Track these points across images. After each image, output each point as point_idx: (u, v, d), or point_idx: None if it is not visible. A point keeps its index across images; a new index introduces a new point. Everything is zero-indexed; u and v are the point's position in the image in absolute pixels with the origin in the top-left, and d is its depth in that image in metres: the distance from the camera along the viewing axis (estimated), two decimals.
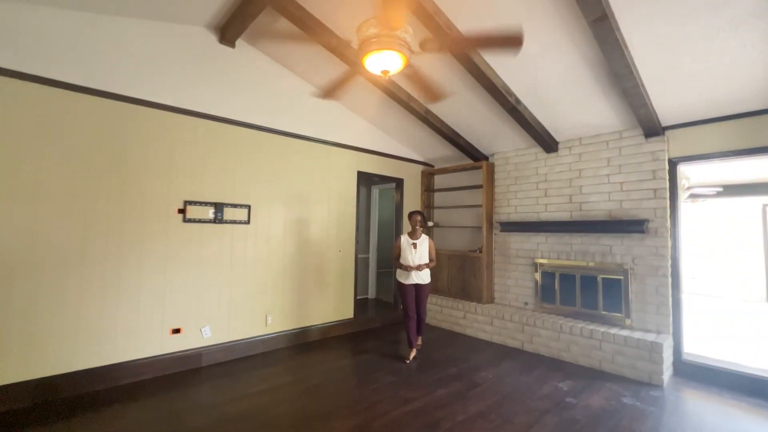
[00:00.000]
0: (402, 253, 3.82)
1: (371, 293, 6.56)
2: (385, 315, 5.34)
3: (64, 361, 2.84)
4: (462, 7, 2.76)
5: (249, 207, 3.87)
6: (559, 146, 4.42)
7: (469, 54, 3.09)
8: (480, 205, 5.10)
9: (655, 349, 3.32)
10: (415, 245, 3.79)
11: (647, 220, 3.65)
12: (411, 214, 3.89)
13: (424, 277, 3.81)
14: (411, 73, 2.46)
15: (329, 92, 2.76)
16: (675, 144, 3.64)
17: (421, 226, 3.84)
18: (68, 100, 2.89)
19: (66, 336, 2.84)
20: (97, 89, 3.00)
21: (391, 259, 4.03)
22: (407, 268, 3.72)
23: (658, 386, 3.26)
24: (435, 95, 2.76)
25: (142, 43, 3.21)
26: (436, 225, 5.82)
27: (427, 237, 3.89)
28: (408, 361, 3.71)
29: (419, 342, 3.98)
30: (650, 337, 3.45)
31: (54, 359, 2.80)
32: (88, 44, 2.95)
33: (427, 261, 3.82)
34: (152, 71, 3.27)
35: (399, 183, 5.62)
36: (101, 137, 3.03)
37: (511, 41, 2.08)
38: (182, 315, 3.41)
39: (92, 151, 2.98)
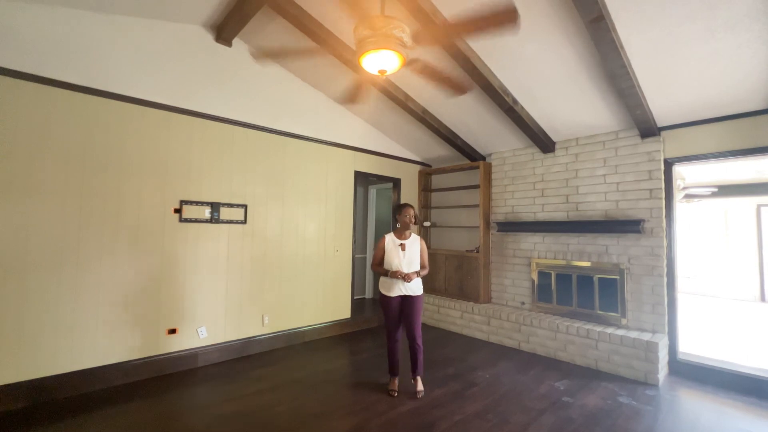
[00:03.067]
0: (386, 257, 3.03)
1: (368, 293, 6.56)
2: (382, 315, 5.32)
3: (59, 362, 2.81)
4: (458, 9, 2.75)
5: (245, 207, 3.85)
6: (556, 146, 4.43)
7: (466, 53, 3.09)
8: (477, 205, 5.11)
9: (651, 348, 3.33)
10: (403, 246, 3.01)
11: (643, 220, 3.67)
12: (400, 208, 3.10)
13: (414, 288, 2.99)
14: (422, 67, 2.41)
15: (351, 98, 2.76)
16: (671, 144, 3.66)
17: (414, 224, 3.11)
18: (63, 99, 2.86)
19: (61, 336, 2.82)
20: (93, 88, 2.97)
21: (372, 265, 3.17)
22: (392, 275, 2.94)
23: (654, 385, 3.27)
24: (459, 87, 2.66)
25: (138, 42, 3.19)
26: (433, 225, 5.82)
27: (419, 238, 3.14)
28: (395, 394, 2.97)
29: (420, 386, 2.99)
30: (646, 336, 3.47)
31: (49, 360, 2.77)
32: (84, 42, 2.93)
33: (418, 267, 3.04)
34: (148, 70, 3.25)
35: (396, 183, 5.62)
36: (97, 136, 3.00)
37: (506, 18, 1.94)
38: (178, 315, 3.40)
39: (88, 150, 2.96)
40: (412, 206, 3.12)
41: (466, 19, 2.09)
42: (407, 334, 3.01)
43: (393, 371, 3.06)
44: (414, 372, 3.02)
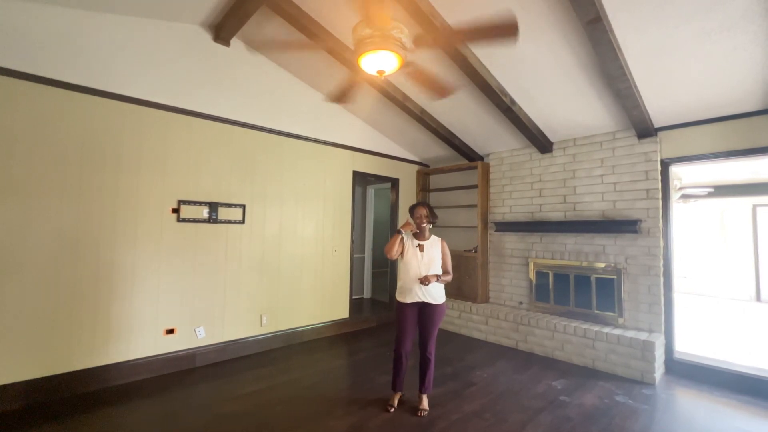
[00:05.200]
0: (404, 258, 2.75)
1: (366, 293, 6.56)
2: (381, 315, 5.34)
3: (56, 362, 2.80)
4: (456, 8, 2.76)
5: (244, 207, 3.85)
6: (554, 147, 4.45)
7: (464, 54, 3.10)
8: (475, 205, 5.12)
9: (648, 347, 3.35)
10: (421, 247, 2.75)
11: (640, 220, 3.69)
12: (414, 208, 2.83)
13: (434, 294, 2.71)
14: (413, 71, 2.43)
15: (339, 98, 2.77)
16: (667, 145, 3.68)
17: (428, 223, 2.81)
18: (61, 99, 2.85)
19: (58, 337, 2.81)
20: (90, 87, 2.96)
21: (384, 251, 2.76)
22: (408, 279, 2.68)
23: (650, 384, 3.29)
24: (444, 90, 2.63)
25: (136, 41, 3.18)
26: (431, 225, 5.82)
27: (440, 239, 2.87)
28: (391, 410, 2.72)
29: (425, 404, 2.72)
30: (642, 335, 3.49)
31: (46, 360, 2.76)
32: (81, 42, 2.92)
33: (438, 271, 2.74)
34: (146, 69, 3.24)
35: (394, 183, 5.62)
36: (94, 136, 2.99)
37: (506, 30, 1.99)
38: (176, 315, 3.39)
39: (85, 150, 2.95)
40: (425, 205, 2.83)
41: (467, 27, 2.11)
42: (420, 343, 2.76)
43: (394, 386, 2.81)
44: (421, 388, 2.75)
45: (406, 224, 2.74)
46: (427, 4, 2.70)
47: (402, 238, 2.75)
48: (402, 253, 2.77)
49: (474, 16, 2.00)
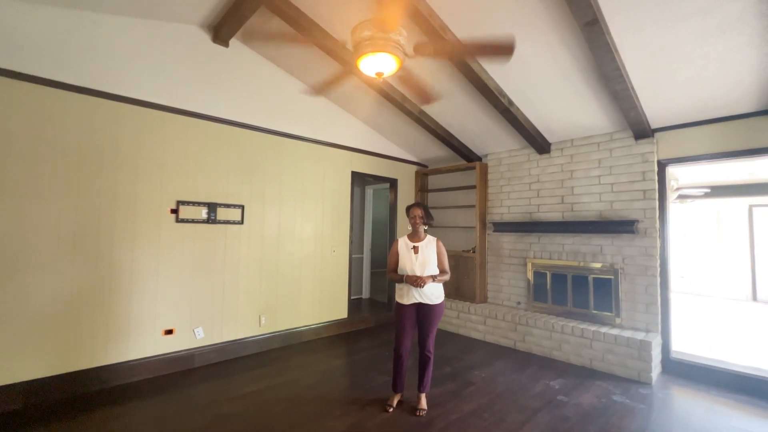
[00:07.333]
0: (400, 262, 2.80)
1: (365, 293, 6.57)
2: (379, 315, 5.35)
3: (55, 363, 2.80)
4: (455, 9, 2.78)
5: (242, 207, 3.85)
6: (552, 147, 4.47)
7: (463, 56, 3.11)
8: (473, 206, 5.14)
9: (644, 347, 3.37)
10: (416, 249, 2.78)
11: (637, 221, 3.71)
12: (409, 208, 2.90)
13: (430, 295, 2.73)
14: (404, 75, 2.48)
15: (320, 89, 2.79)
16: (664, 146, 3.70)
17: (423, 224, 2.86)
18: (59, 99, 2.85)
19: (57, 337, 2.81)
20: (89, 88, 2.96)
21: (387, 272, 2.96)
22: (407, 280, 2.70)
23: (647, 384, 3.31)
24: (427, 97, 2.79)
25: (135, 42, 3.18)
26: (430, 225, 5.83)
27: (435, 239, 2.88)
28: (390, 410, 2.74)
29: (423, 404, 2.76)
30: (639, 335, 3.51)
31: (45, 361, 2.76)
32: (80, 43, 2.92)
33: (434, 272, 2.76)
34: (145, 70, 3.24)
35: (393, 183, 5.63)
36: (93, 136, 2.99)
37: (503, 50, 2.17)
38: (175, 316, 3.39)
39: (84, 151, 2.95)
40: (420, 205, 2.89)
41: (471, 42, 2.38)
42: (419, 341, 2.79)
43: (395, 387, 2.82)
44: (420, 387, 2.79)
45: (409, 278, 2.71)
46: (435, 16, 2.81)
47: (397, 250, 2.86)
48: (398, 258, 2.85)
49: (478, 29, 2.11)
